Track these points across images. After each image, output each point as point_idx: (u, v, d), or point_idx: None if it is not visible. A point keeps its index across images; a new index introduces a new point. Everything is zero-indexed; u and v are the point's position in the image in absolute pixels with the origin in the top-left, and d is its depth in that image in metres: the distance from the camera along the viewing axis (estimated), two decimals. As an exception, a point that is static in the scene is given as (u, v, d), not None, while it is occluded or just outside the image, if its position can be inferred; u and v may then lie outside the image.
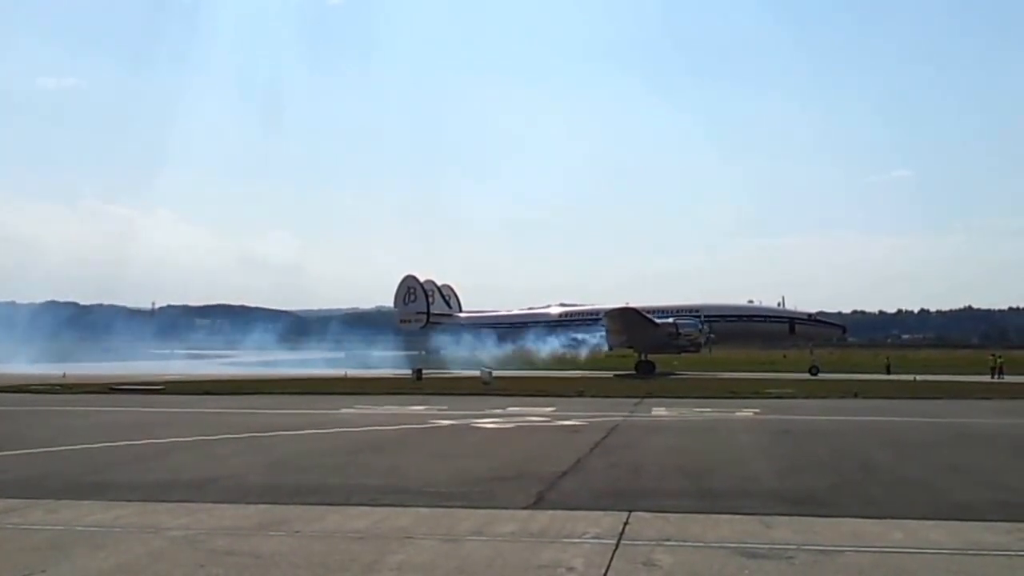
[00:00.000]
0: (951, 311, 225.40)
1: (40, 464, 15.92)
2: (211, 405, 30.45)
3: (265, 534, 9.70)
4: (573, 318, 71.91)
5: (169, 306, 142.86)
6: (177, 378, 48.12)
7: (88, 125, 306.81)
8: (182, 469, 15.14)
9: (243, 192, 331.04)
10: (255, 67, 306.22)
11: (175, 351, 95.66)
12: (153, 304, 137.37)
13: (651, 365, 65.72)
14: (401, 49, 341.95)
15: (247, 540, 9.40)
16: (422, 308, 78.68)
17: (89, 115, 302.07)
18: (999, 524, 10.35)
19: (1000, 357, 62.61)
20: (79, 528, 10.03)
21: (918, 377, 51.14)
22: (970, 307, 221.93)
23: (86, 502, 11.74)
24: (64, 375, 48.65)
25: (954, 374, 57.61)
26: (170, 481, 13.71)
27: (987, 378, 55.51)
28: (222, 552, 8.86)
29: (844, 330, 74.22)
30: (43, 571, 8.18)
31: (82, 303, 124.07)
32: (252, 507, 11.40)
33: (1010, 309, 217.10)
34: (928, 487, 13.42)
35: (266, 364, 77.10)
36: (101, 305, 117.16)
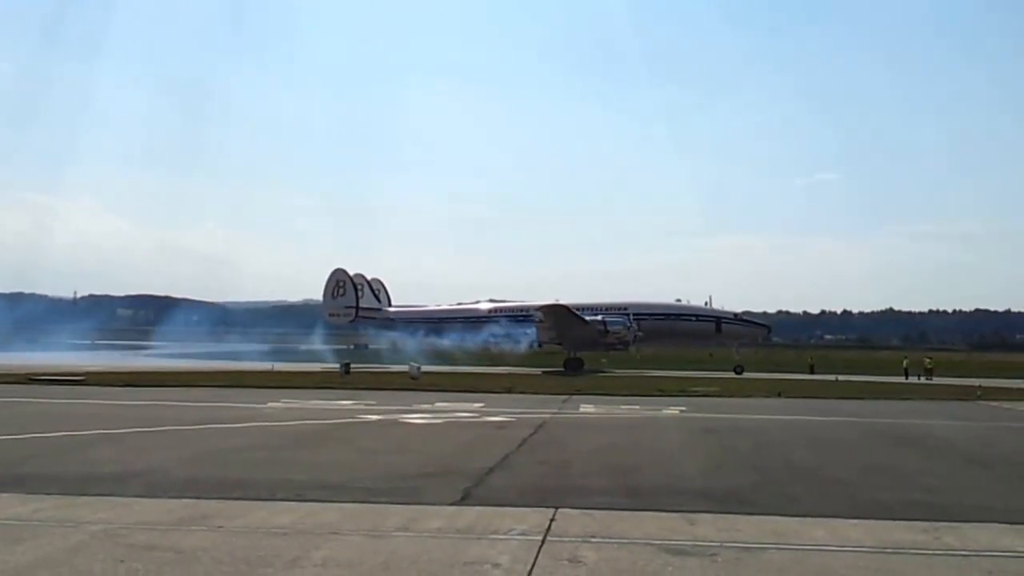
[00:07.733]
0: (873, 313, 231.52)
1: (-47, 456, 15.44)
2: (134, 397, 29.78)
3: (187, 529, 9.53)
4: (503, 314, 71.91)
5: (91, 295, 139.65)
6: (99, 369, 47.02)
7: (11, 110, 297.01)
8: (103, 462, 14.79)
9: (169, 182, 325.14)
10: (181, 58, 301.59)
11: (96, 341, 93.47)
12: (75, 293, 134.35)
13: (579, 362, 66.26)
14: (329, 40, 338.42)
15: (168, 535, 9.23)
16: (351, 302, 77.83)
17: (13, 100, 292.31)
18: (918, 523, 10.56)
19: (930, 359, 64.47)
20: (-6, 522, 9.75)
21: (840, 377, 52.29)
22: (891, 309, 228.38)
23: (3, 495, 11.42)
24: (-20, 364, 47.24)
25: (875, 375, 58.94)
26: (90, 474, 13.38)
27: (913, 379, 57.02)
28: (142, 547, 8.69)
29: (769, 330, 75.73)
30: (-45, 566, 7.94)
31: (1, 291, 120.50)
32: (174, 502, 11.18)
33: (930, 312, 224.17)
34: (849, 486, 13.70)
35: (191, 356, 75.79)
36: (21, 294, 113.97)
